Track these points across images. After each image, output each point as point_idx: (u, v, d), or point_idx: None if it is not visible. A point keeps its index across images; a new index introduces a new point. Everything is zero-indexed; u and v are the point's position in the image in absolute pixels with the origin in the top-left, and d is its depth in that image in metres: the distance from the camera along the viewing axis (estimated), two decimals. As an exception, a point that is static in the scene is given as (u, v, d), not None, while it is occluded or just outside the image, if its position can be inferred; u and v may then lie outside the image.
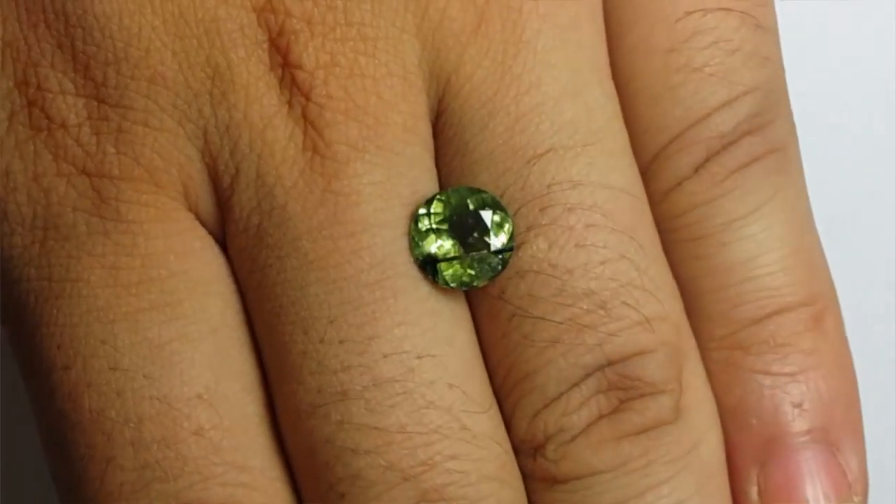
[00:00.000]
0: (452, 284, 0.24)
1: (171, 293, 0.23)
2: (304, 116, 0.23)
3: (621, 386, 0.23)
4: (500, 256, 0.24)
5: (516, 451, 0.24)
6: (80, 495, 0.23)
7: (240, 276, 0.24)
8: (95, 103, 0.23)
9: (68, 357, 0.23)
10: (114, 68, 0.23)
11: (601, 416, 0.23)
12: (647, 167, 0.25)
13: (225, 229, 0.24)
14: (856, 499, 0.24)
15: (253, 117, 0.23)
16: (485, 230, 0.24)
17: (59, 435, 0.23)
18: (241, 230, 0.24)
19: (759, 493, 0.24)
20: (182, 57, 0.23)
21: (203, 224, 0.24)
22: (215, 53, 0.23)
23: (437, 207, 0.24)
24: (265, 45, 0.23)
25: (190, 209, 0.24)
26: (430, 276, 0.24)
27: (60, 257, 0.23)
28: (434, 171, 0.24)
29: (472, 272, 0.24)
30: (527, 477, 0.24)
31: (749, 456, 0.25)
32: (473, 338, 0.24)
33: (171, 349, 0.23)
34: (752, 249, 0.25)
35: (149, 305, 0.23)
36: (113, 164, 0.23)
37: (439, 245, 0.24)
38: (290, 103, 0.23)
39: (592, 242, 0.23)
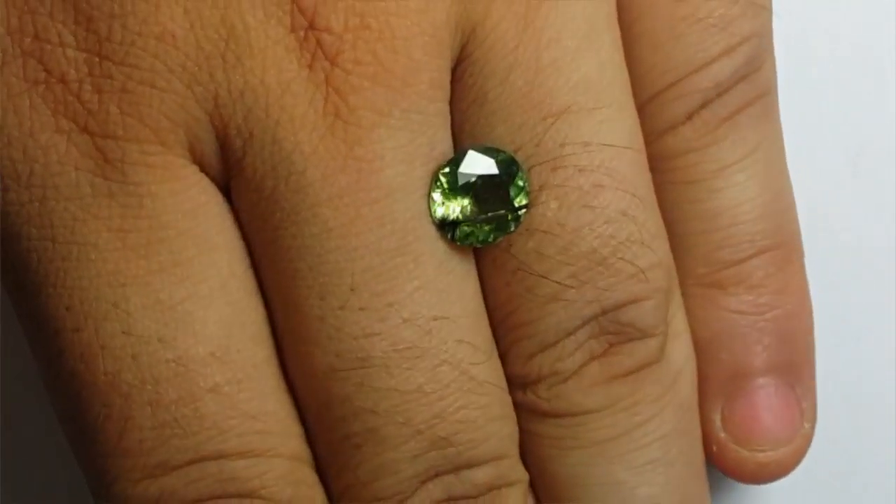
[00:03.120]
0: (469, 243, 0.24)
1: (180, 252, 0.23)
2: (328, 82, 0.22)
3: (613, 331, 0.24)
4: (516, 214, 0.24)
5: (508, 382, 0.25)
6: (97, 449, 0.23)
7: (247, 228, 0.23)
8: (98, 59, 0.22)
9: (78, 320, 0.23)
10: (119, 22, 0.21)
11: (592, 359, 0.24)
12: (642, 108, 0.25)
13: (231, 183, 0.23)
14: (806, 425, 0.26)
15: (270, 83, 0.22)
16: (503, 190, 0.23)
17: (71, 392, 0.23)
18: (252, 188, 0.23)
19: (723, 421, 0.26)
20: (194, 15, 0.22)
21: (205, 172, 0.23)
22: (231, 14, 0.22)
23: (455, 167, 0.23)
24: (287, 7, 0.22)
25: (194, 161, 0.23)
26: (447, 236, 0.23)
27: (64, 219, 0.22)
28: (448, 117, 0.24)
29: (489, 231, 0.24)
30: (517, 406, 0.25)
31: (717, 388, 0.26)
32: (478, 286, 0.24)
33: (183, 309, 0.23)
34: (739, 196, 0.25)
35: (159, 267, 0.23)
36: (117, 125, 0.22)
37: (458, 206, 0.23)
38: (311, 67, 0.22)
39: (598, 203, 0.24)
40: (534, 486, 0.26)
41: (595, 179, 0.24)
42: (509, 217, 0.24)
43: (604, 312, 0.24)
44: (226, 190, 0.23)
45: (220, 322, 0.23)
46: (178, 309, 0.23)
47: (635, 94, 0.25)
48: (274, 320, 0.24)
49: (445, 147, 0.23)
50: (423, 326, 0.23)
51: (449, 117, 0.24)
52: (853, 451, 0.27)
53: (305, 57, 0.22)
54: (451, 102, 0.24)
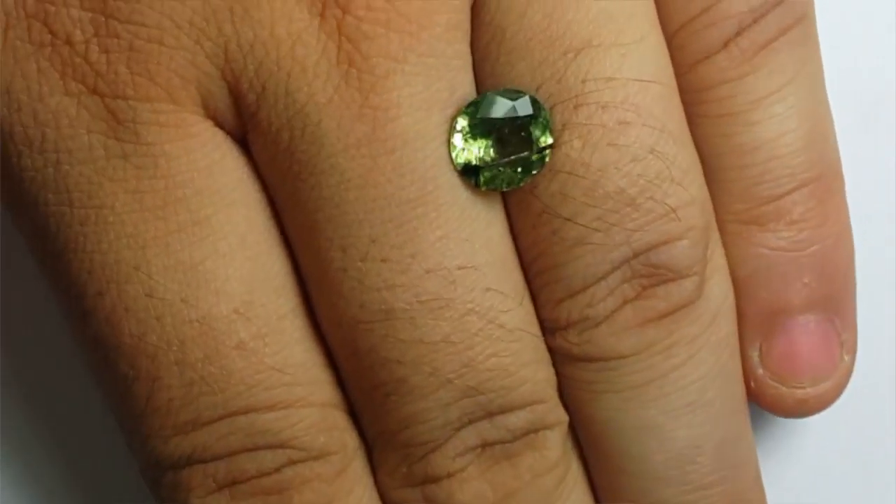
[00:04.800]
0: (493, 188, 0.23)
1: (198, 211, 0.22)
2: (339, 30, 0.21)
3: (646, 274, 0.24)
4: (540, 155, 0.23)
5: (541, 325, 0.24)
6: (129, 409, 0.23)
7: (268, 180, 0.23)
8: (103, 18, 0.21)
9: (100, 284, 0.22)
10: None
11: (625, 303, 0.24)
12: (673, 37, 0.24)
13: (248, 137, 0.22)
14: (846, 357, 0.26)
15: (280, 34, 0.21)
16: (525, 132, 0.23)
17: (99, 354, 0.23)
18: (268, 142, 0.22)
19: (762, 358, 0.25)
20: None
21: (220, 126, 0.22)
22: None
23: (475, 112, 0.22)
24: None
25: (208, 117, 0.22)
26: (471, 182, 0.23)
27: (80, 183, 0.22)
28: (469, 58, 0.23)
29: (513, 174, 0.23)
30: (550, 350, 0.24)
31: (755, 326, 0.25)
32: (506, 229, 0.24)
33: (204, 269, 0.22)
34: (777, 128, 0.24)
35: (177, 227, 0.22)
36: (127, 85, 0.21)
37: (479, 150, 0.23)
38: (322, 15, 0.21)
39: (624, 141, 0.23)
40: (573, 426, 0.25)
41: (620, 116, 0.23)
42: (533, 158, 0.23)
43: (635, 255, 0.23)
44: (243, 142, 0.23)
45: (242, 278, 0.23)
46: (199, 268, 0.22)
47: (663, 25, 0.24)
48: (300, 268, 0.23)
49: (466, 90, 0.23)
50: (447, 277, 0.23)
51: (469, 58, 0.23)
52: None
53: (316, 6, 0.21)
54: (471, 41, 0.23)
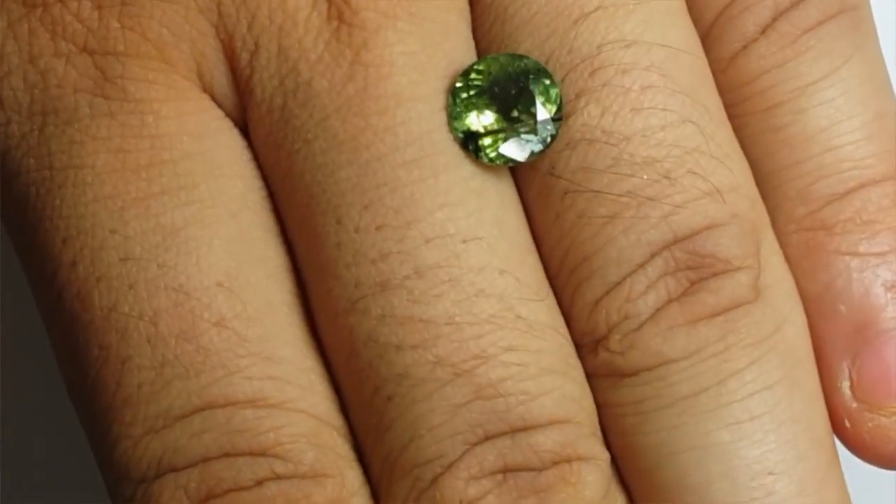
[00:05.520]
0: (497, 161, 0.21)
1: (186, 176, 0.21)
2: None
3: (691, 265, 0.21)
4: (549, 128, 0.21)
5: (577, 347, 0.22)
6: (98, 404, 0.21)
7: (266, 166, 0.22)
8: None
9: (75, 251, 0.21)
10: None
11: (670, 300, 0.21)
12: (708, 32, 0.22)
13: (247, 115, 0.22)
14: None
15: None
16: (529, 99, 0.21)
17: (70, 340, 0.21)
18: (264, 113, 0.22)
19: (853, 387, 0.22)
20: None
21: (220, 107, 0.22)
22: None
23: (475, 78, 0.21)
24: None
25: (205, 90, 0.22)
26: (472, 154, 0.21)
27: (62, 143, 0.22)
28: (472, 41, 0.22)
29: (518, 146, 0.21)
30: (590, 376, 0.22)
31: (839, 347, 0.22)
32: (524, 222, 0.22)
33: (186, 235, 0.21)
34: (832, 116, 0.22)
35: (160, 189, 0.21)
36: (118, 40, 0.22)
37: (480, 118, 0.21)
38: None
39: (651, 105, 0.21)
40: (622, 474, 0.22)
41: (644, 80, 0.21)
42: (540, 131, 0.21)
43: (676, 241, 0.21)
44: (244, 130, 0.22)
45: (229, 251, 0.21)
46: (181, 234, 0.21)
47: (697, 23, 0.22)
48: (297, 260, 0.22)
49: (467, 63, 0.22)
50: (450, 248, 0.21)
51: (470, 35, 0.22)
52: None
53: None
54: (474, 29, 0.22)
